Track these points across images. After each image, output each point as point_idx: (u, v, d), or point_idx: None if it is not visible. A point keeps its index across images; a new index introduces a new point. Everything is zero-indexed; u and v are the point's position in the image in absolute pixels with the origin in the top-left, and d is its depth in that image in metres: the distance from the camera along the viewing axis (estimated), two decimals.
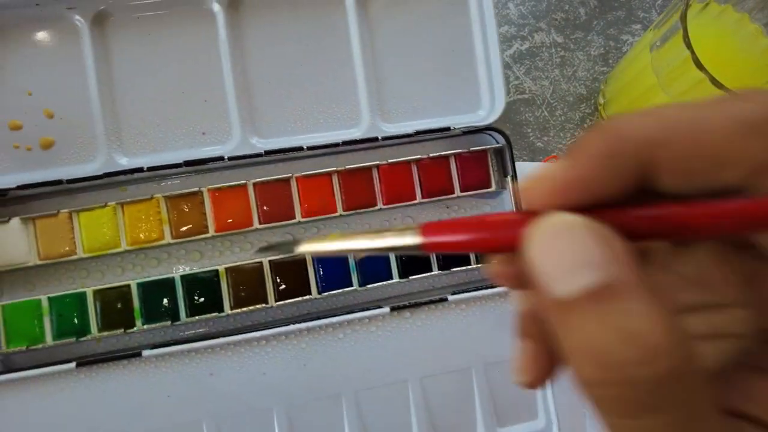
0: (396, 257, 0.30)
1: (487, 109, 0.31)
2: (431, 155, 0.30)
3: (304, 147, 0.29)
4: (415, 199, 0.30)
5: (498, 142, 0.31)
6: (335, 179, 0.30)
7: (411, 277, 0.30)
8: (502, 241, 0.11)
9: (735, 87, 0.25)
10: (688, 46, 0.26)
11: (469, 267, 0.30)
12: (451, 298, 0.29)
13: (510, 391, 0.28)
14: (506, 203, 0.31)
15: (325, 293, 0.29)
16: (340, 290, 0.29)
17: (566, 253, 0.10)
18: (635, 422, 0.09)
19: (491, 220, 0.11)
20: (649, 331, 0.09)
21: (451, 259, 0.30)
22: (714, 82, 0.25)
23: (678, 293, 0.12)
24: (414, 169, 0.30)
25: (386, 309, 0.28)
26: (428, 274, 0.30)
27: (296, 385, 0.28)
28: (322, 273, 0.29)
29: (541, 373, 0.13)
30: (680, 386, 0.09)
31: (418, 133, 0.30)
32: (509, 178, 0.30)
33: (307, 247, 0.14)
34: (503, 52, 0.37)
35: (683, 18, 0.26)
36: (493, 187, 0.31)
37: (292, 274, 0.29)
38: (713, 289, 0.12)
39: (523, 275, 0.10)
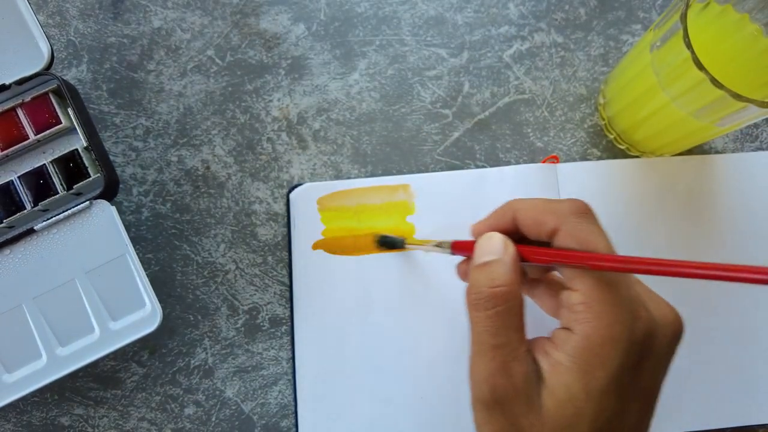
0: None
1: (37, 58, 0.31)
2: None
3: None
4: None
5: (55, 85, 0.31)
6: None
7: (6, 221, 0.31)
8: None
9: (734, 87, 0.25)
10: (688, 46, 0.26)
11: (57, 196, 0.31)
12: (38, 227, 0.30)
13: (115, 290, 0.31)
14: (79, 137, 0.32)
15: None
16: None
17: (486, 245, 0.24)
18: (481, 313, 0.22)
19: (470, 244, 0.25)
20: (498, 277, 0.22)
21: (39, 193, 0.31)
22: (714, 82, 0.25)
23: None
24: None
25: None
26: (22, 213, 0.31)
27: None
28: None
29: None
30: (501, 301, 0.22)
31: None
32: (70, 110, 0.31)
33: (411, 246, 0.32)
34: (503, 52, 0.37)
35: (683, 18, 0.26)
36: (64, 123, 0.31)
37: None
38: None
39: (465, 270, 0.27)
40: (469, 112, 0.37)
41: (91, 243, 0.31)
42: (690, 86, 0.27)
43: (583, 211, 0.22)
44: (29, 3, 0.31)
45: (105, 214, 0.31)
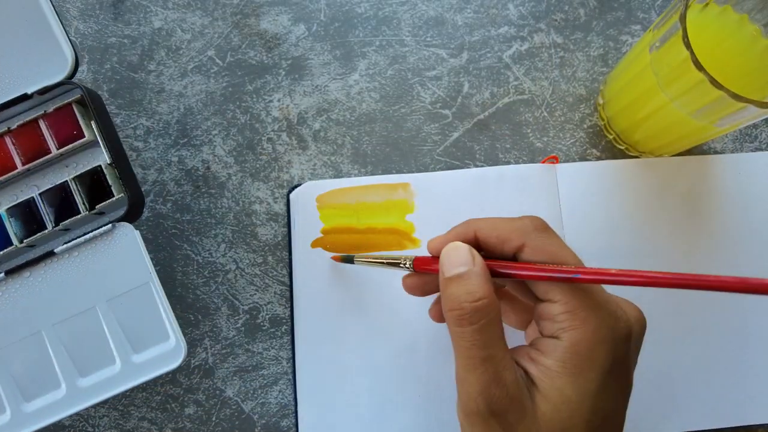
0: (10, 223, 0.30)
1: (60, 66, 0.29)
2: (19, 123, 0.30)
3: None
4: (17, 167, 0.30)
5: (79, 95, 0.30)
6: None
7: (27, 240, 0.30)
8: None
9: (734, 87, 0.25)
10: (687, 46, 0.26)
11: (79, 216, 0.29)
12: (58, 249, 0.29)
13: (137, 321, 0.30)
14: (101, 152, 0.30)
15: None
16: None
17: (454, 257, 0.23)
18: (462, 329, 0.22)
19: (430, 260, 0.26)
20: (476, 290, 0.22)
21: (61, 211, 0.30)
22: (713, 82, 0.25)
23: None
24: (9, 141, 0.30)
25: (1, 274, 0.29)
26: (42, 233, 0.30)
27: None
28: None
29: (421, 293, 0.28)
30: (484, 314, 0.22)
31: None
32: (93, 123, 0.30)
33: (360, 261, 0.31)
34: (503, 53, 0.37)
35: (682, 18, 0.26)
36: (88, 137, 0.30)
37: None
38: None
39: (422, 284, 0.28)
40: (469, 113, 0.37)
41: (113, 269, 0.29)
42: (689, 87, 0.27)
43: (545, 227, 0.24)
44: (52, 4, 0.29)
45: (128, 238, 0.29)
